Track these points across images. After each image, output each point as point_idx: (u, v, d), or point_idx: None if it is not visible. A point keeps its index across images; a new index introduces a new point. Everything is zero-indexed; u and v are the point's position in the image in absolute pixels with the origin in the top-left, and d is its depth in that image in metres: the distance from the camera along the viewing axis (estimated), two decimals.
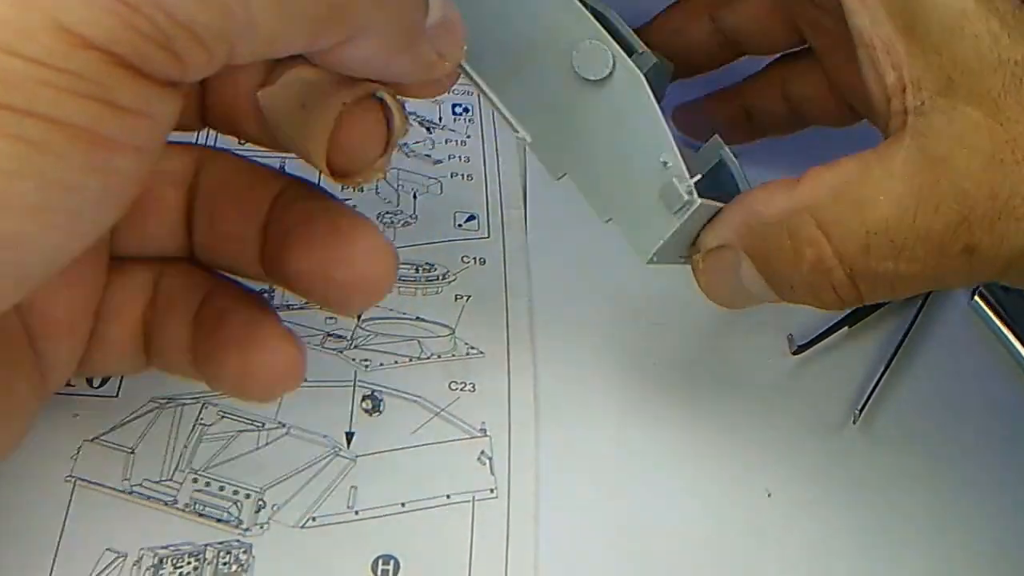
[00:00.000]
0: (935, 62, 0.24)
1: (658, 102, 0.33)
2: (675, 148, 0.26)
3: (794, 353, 0.34)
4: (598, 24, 0.26)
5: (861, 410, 0.32)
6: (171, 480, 0.27)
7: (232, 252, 0.24)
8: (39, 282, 0.17)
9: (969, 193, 0.23)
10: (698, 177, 0.26)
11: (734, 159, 0.29)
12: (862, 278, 0.25)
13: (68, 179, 0.16)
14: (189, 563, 0.26)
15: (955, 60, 0.24)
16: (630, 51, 0.32)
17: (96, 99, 0.15)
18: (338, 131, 0.22)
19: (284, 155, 0.25)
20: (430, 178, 0.37)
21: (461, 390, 0.31)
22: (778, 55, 0.35)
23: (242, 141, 0.24)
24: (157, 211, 0.24)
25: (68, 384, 0.29)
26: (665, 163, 0.26)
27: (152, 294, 0.25)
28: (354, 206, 0.34)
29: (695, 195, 0.25)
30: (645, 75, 0.30)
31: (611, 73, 0.26)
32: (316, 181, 0.24)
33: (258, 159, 0.25)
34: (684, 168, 0.25)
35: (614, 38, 0.32)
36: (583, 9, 0.27)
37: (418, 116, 0.39)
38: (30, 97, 0.15)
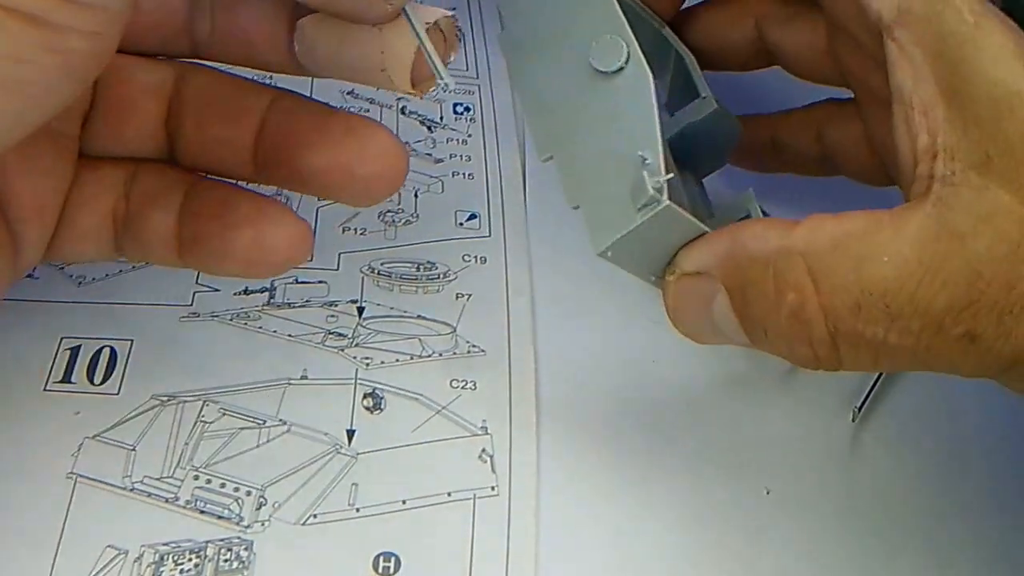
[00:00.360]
0: (975, 135, 0.23)
1: (722, 155, 0.34)
2: (660, 148, 0.25)
3: None
4: (624, 20, 0.27)
5: (860, 407, 0.32)
6: (172, 477, 0.27)
7: (222, 155, 0.27)
8: (4, 146, 0.20)
9: (983, 276, 0.22)
10: (671, 175, 0.25)
11: (762, 214, 0.29)
12: (845, 339, 0.23)
13: (24, 54, 0.19)
14: (190, 560, 0.26)
15: (997, 138, 0.23)
16: (695, 95, 0.32)
17: None
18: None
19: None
20: (431, 177, 0.37)
21: (462, 388, 0.31)
22: (821, 100, 0.33)
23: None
24: (135, 117, 0.27)
25: (69, 382, 0.29)
26: (644, 159, 0.25)
27: (125, 190, 0.27)
28: None
29: (664, 195, 0.24)
30: (701, 121, 0.31)
31: (622, 68, 0.26)
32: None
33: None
34: (662, 167, 0.25)
35: (684, 76, 0.32)
36: (615, 4, 0.27)
37: (419, 115, 0.39)
38: None
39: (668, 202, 0.24)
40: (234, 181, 0.27)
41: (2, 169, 0.25)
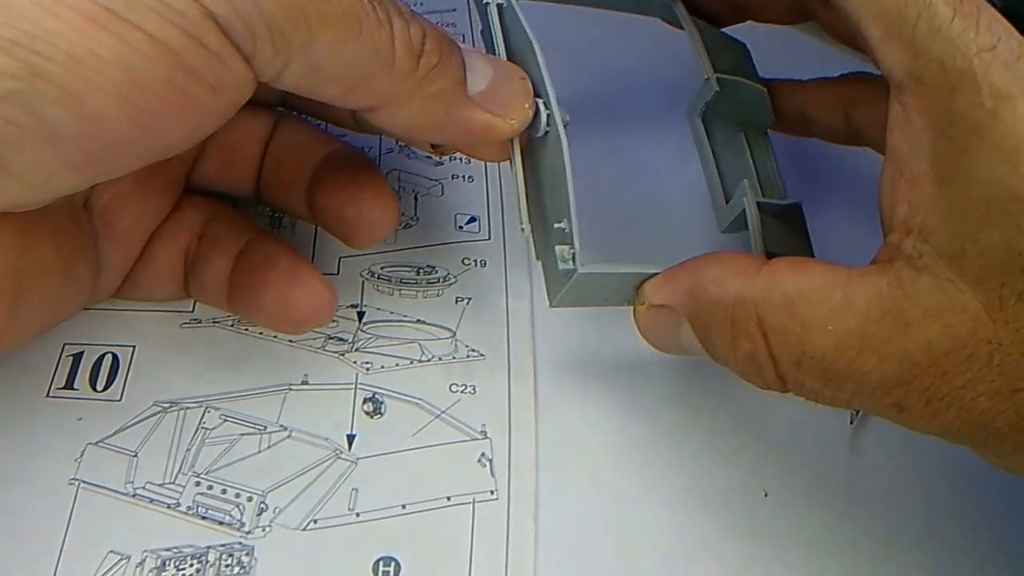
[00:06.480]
0: (956, 226, 0.22)
1: (761, 118, 0.33)
2: (573, 214, 0.25)
3: None
4: (547, 79, 0.26)
5: (858, 410, 0.32)
6: (174, 483, 0.28)
7: (288, 194, 0.30)
8: (104, 170, 0.22)
9: (919, 364, 0.22)
10: (577, 245, 0.25)
11: (757, 212, 0.29)
12: (790, 382, 0.25)
13: (149, 82, 0.20)
14: (192, 565, 0.26)
15: (979, 238, 0.21)
16: (743, 67, 0.33)
17: (188, 34, 0.20)
18: None
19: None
20: (431, 180, 0.37)
21: (462, 392, 0.31)
22: (852, 73, 0.32)
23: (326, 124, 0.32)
24: (242, 157, 0.30)
25: (72, 389, 0.29)
26: (563, 228, 0.26)
27: (200, 232, 0.30)
28: None
29: (574, 264, 0.26)
30: (713, 100, 0.32)
31: (547, 132, 0.27)
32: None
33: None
34: (575, 234, 0.26)
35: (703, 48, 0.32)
36: (539, 66, 0.27)
37: None
38: (141, 15, 0.19)
39: (579, 271, 0.26)
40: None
41: (116, 191, 0.27)
